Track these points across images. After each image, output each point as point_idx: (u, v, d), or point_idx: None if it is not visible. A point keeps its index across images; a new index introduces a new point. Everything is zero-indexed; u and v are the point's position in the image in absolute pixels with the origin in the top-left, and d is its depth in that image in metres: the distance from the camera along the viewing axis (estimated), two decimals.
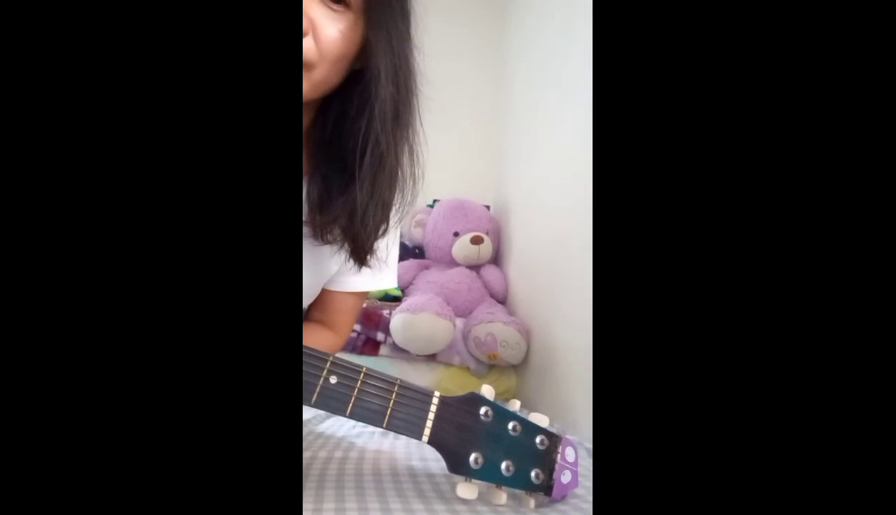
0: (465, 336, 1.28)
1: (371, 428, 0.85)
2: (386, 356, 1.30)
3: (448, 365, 1.31)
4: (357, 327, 1.30)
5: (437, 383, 1.29)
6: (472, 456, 0.45)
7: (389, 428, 0.45)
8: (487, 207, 1.66)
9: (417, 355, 1.27)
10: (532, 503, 0.47)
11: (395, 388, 0.45)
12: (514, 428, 0.46)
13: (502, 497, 0.46)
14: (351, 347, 1.29)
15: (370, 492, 0.54)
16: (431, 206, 1.67)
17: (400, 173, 0.52)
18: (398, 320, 1.22)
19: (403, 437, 0.79)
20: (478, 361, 1.29)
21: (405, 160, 0.52)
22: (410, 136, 0.52)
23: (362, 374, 0.45)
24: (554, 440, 0.47)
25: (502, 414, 0.46)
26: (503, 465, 0.45)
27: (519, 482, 0.45)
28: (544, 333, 1.18)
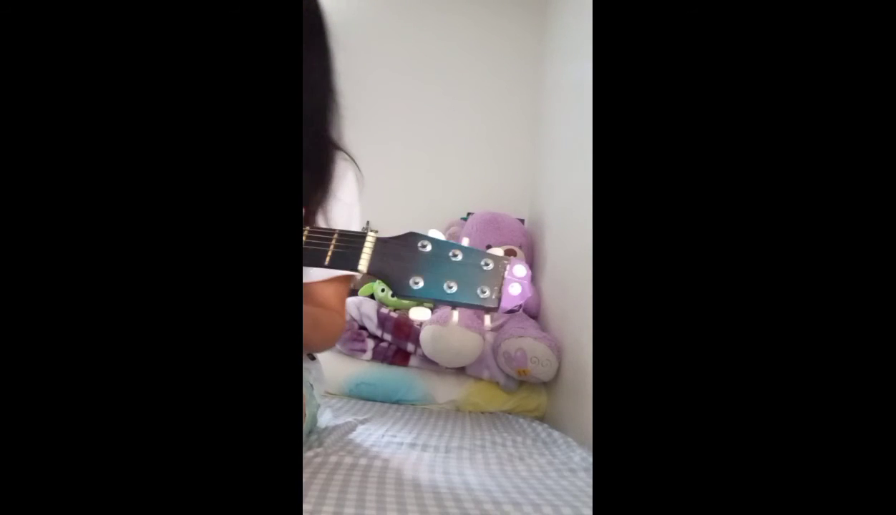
0: (495, 350, 1.27)
1: (398, 439, 0.85)
2: (415, 367, 1.30)
3: (477, 379, 1.30)
4: (388, 337, 1.30)
5: (466, 397, 1.28)
6: (412, 279, 0.46)
7: (331, 266, 0.46)
8: (521, 221, 1.65)
9: (446, 367, 1.26)
10: (487, 319, 0.49)
11: (335, 235, 0.48)
12: (454, 254, 0.47)
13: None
14: (381, 357, 1.30)
15: (390, 500, 0.54)
16: (465, 219, 1.67)
17: None
18: (428, 332, 1.22)
19: (430, 450, 0.79)
20: (507, 376, 1.27)
21: None
22: None
23: (307, 231, 0.47)
24: (500, 261, 0.47)
25: (442, 245, 0.47)
26: (445, 285, 0.46)
27: (465, 297, 0.46)
28: (576, 350, 1.16)
